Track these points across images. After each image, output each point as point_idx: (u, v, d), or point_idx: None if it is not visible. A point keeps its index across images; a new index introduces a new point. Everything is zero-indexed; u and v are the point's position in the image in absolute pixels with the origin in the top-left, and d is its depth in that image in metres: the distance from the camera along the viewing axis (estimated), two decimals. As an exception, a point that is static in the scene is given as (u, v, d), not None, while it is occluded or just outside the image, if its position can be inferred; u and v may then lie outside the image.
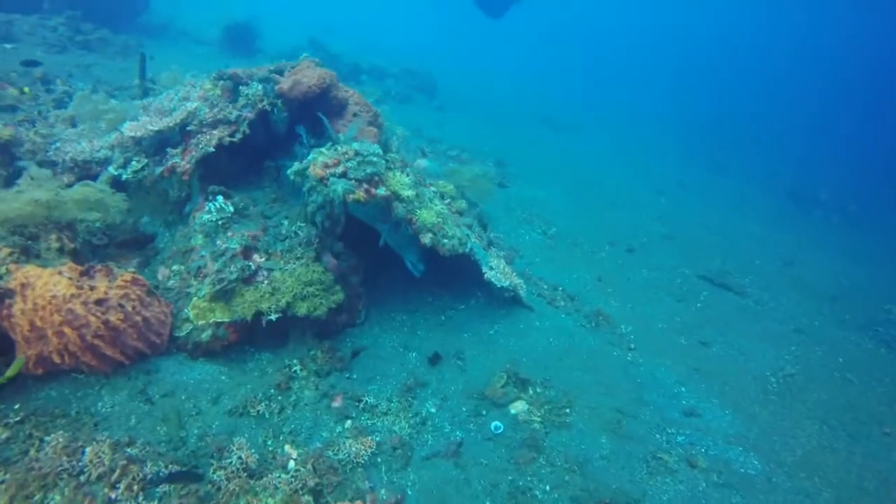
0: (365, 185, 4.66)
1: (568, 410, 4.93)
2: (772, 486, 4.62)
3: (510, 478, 4.26)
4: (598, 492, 4.20)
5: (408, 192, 4.99)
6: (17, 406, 3.78)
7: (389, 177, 5.00)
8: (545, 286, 7.02)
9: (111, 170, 5.41)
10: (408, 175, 5.30)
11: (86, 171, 5.62)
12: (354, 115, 5.51)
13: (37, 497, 3.20)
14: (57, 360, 3.86)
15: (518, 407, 4.91)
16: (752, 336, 7.38)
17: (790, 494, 4.56)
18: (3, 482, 3.24)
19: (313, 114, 5.24)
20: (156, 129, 5.27)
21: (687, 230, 11.85)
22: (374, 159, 4.77)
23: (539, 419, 4.80)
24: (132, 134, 5.26)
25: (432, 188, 6.04)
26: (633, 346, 6.37)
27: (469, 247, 5.46)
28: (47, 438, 3.52)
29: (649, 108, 29.46)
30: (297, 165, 4.84)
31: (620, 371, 5.72)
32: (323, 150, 4.88)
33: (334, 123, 5.46)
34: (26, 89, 7.59)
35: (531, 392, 5.09)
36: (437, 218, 5.19)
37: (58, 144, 6.05)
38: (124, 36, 12.66)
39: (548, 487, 4.21)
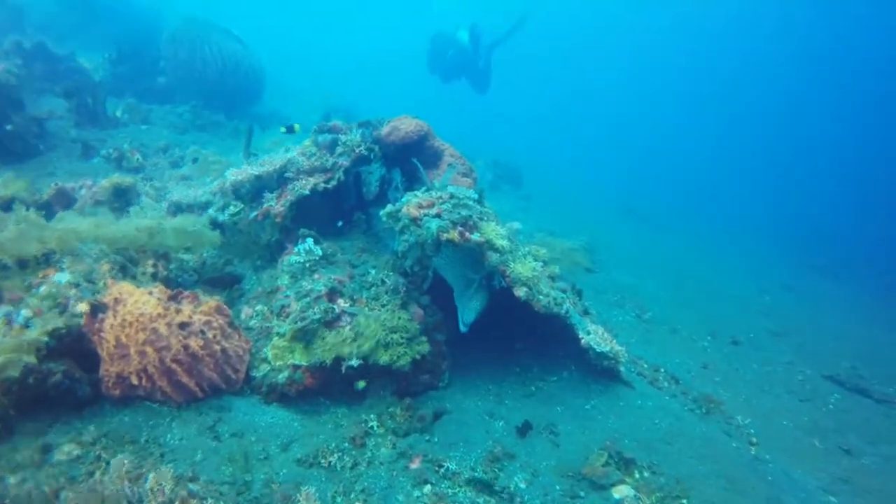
0: (459, 228, 4.44)
1: (685, 502, 4.10)
2: None
3: (619, 577, 3.47)
4: None
5: (502, 242, 4.70)
6: (91, 427, 3.61)
7: (483, 225, 4.76)
8: (645, 365, 6.29)
9: (211, 212, 5.57)
10: (503, 227, 5.05)
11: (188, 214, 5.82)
12: (449, 165, 5.45)
13: (91, 523, 2.89)
14: (135, 381, 3.70)
15: (622, 491, 4.15)
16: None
17: None
18: (66, 500, 2.99)
19: (409, 162, 5.22)
20: (256, 173, 5.43)
21: (800, 330, 10.60)
22: (470, 203, 4.58)
23: (650, 509, 4.01)
24: (234, 178, 5.44)
25: (526, 249, 5.72)
26: (754, 440, 5.42)
27: (565, 308, 4.99)
28: (112, 462, 3.26)
29: (746, 199, 28.33)
30: (390, 207, 4.74)
31: (744, 465, 4.80)
32: (417, 193, 4.77)
33: (429, 174, 5.41)
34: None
35: (637, 476, 4.31)
36: (533, 273, 4.82)
37: (169, 195, 6.41)
38: (236, 121, 13.95)
39: None
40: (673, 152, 40.47)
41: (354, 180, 6.03)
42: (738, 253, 18.01)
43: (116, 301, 3.75)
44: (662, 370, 6.35)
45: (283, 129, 6.78)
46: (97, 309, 3.71)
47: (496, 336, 5.80)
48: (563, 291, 5.76)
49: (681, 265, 13.70)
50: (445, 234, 4.29)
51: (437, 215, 4.49)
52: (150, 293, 3.89)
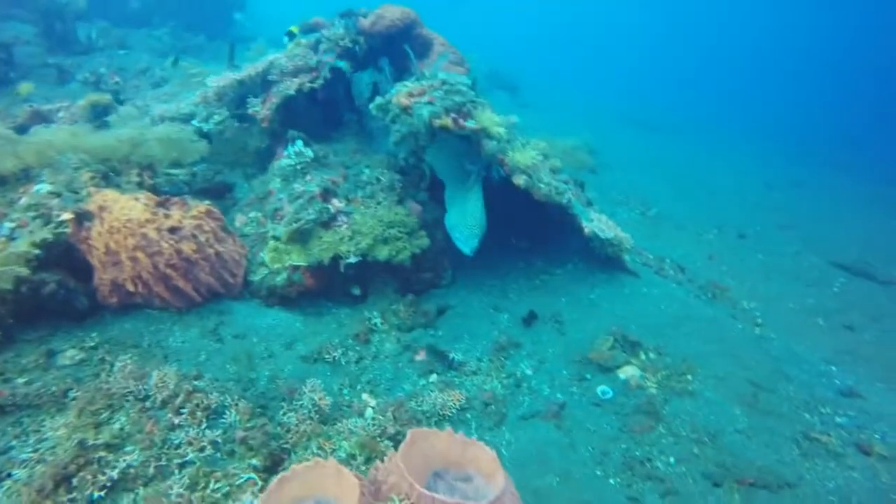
0: (453, 115, 4.21)
1: (690, 377, 4.13)
2: None
3: (624, 446, 3.54)
4: (737, 468, 3.38)
5: (499, 129, 4.48)
6: (94, 334, 3.60)
7: (479, 113, 4.51)
8: (650, 256, 6.22)
9: (195, 123, 5.33)
10: (498, 116, 4.79)
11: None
12: (440, 54, 5.12)
13: (103, 415, 2.91)
14: (131, 287, 3.65)
15: (628, 371, 4.18)
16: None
17: None
18: (73, 398, 3.01)
19: (397, 52, 4.90)
20: (238, 78, 5.15)
21: (808, 222, 10.41)
22: (463, 88, 4.32)
23: (655, 385, 4.04)
24: (216, 85, 5.15)
25: (527, 142, 5.48)
26: (759, 321, 5.43)
27: (567, 198, 4.84)
28: (116, 363, 3.26)
29: (758, 105, 27.36)
30: (379, 99, 4.49)
31: (750, 343, 4.81)
32: (407, 83, 4.50)
33: (419, 64, 5.10)
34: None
35: (643, 357, 4.33)
36: (532, 161, 4.63)
37: (151, 111, 6.13)
38: (218, 42, 13.26)
39: (672, 460, 3.45)
40: (684, 63, 38.60)
41: (346, 89, 5.73)
42: (750, 154, 17.50)
43: (101, 208, 3.63)
44: (668, 260, 6.29)
45: (285, 40, 6.21)
46: (82, 217, 3.59)
47: (500, 233, 5.70)
48: (566, 183, 5.59)
49: (688, 167, 13.35)
50: (438, 121, 4.07)
51: (430, 102, 4.25)
52: (137, 199, 3.76)
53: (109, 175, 4.01)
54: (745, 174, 14.41)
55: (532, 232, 5.81)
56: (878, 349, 5.24)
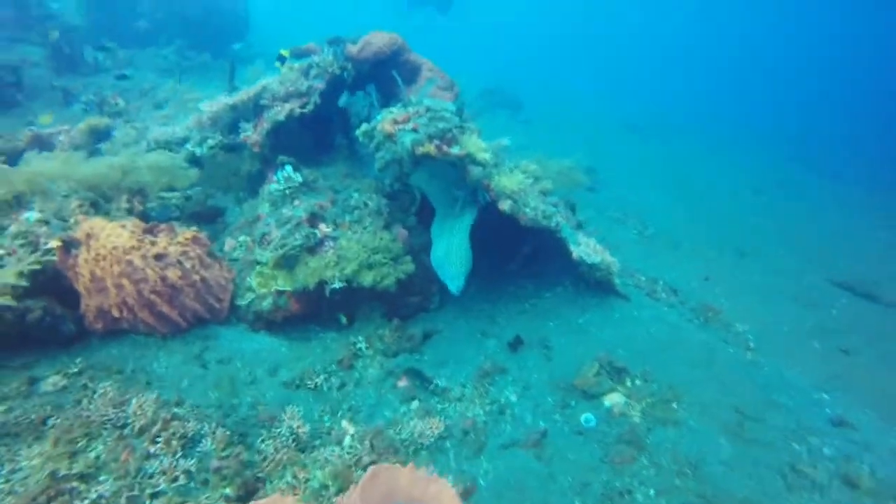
0: (437, 141, 4.25)
1: (675, 406, 4.09)
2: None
3: (604, 477, 3.51)
4: (718, 500, 3.34)
5: (485, 156, 4.51)
6: (78, 360, 3.64)
7: (464, 139, 4.55)
8: (643, 278, 6.20)
9: (188, 147, 5.42)
10: (487, 142, 4.83)
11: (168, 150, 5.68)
12: (428, 79, 5.19)
13: (80, 443, 2.94)
14: (116, 313, 3.70)
15: (613, 399, 4.15)
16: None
17: None
18: (52, 426, 3.05)
19: (385, 78, 4.97)
20: (230, 103, 5.24)
21: (811, 236, 10.33)
22: (447, 115, 4.36)
23: (639, 413, 4.01)
24: (208, 109, 5.25)
25: (513, 164, 5.52)
26: (752, 345, 5.38)
27: (555, 221, 4.85)
28: (98, 389, 3.30)
29: (736, 109, 27.35)
30: (365, 126, 4.54)
31: (739, 369, 4.76)
32: (393, 109, 4.55)
33: (407, 90, 5.16)
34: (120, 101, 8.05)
35: (629, 384, 4.30)
36: (519, 186, 4.66)
37: (148, 134, 6.24)
38: (221, 61, 13.50)
39: (652, 492, 3.41)
40: (675, 72, 38.67)
41: (337, 113, 5.81)
42: (743, 159, 17.37)
43: (89, 236, 3.69)
44: (661, 282, 6.26)
45: (277, 64, 6.31)
46: (70, 245, 3.66)
47: (490, 257, 5.71)
48: (555, 206, 5.59)
49: (684, 177, 13.27)
50: (421, 148, 4.11)
51: (414, 130, 4.30)
52: (124, 226, 3.82)
53: (99, 202, 4.09)
54: (738, 180, 14.31)
55: (524, 255, 5.82)
56: (872, 374, 5.17)
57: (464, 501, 3.24)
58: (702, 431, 3.89)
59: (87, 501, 2.59)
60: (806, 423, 4.18)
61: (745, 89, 35.94)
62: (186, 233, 4.08)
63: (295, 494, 2.90)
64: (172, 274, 3.81)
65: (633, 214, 9.02)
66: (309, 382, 3.88)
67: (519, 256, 5.55)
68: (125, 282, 3.65)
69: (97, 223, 3.76)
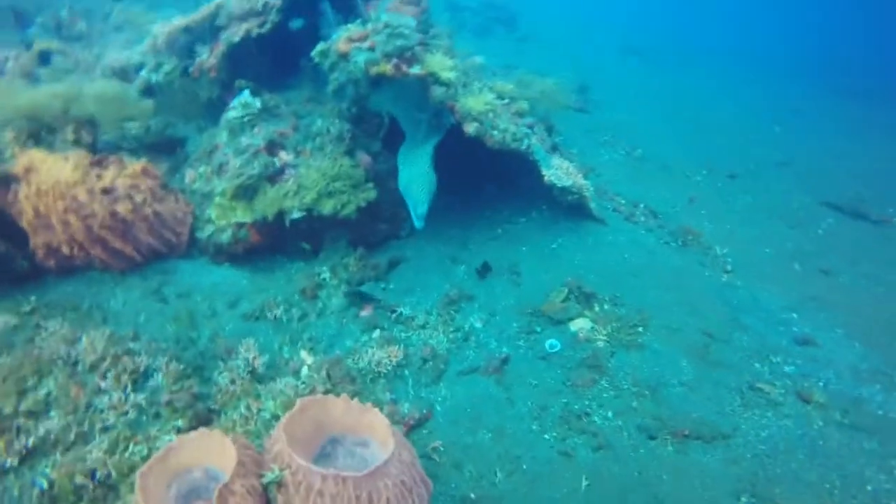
0: (395, 60, 3.98)
1: (641, 329, 4.07)
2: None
3: (564, 400, 3.54)
4: (673, 421, 3.37)
5: (448, 75, 4.24)
6: (32, 298, 3.61)
7: (427, 57, 4.26)
8: (623, 201, 6.04)
9: (144, 73, 5.13)
10: (453, 59, 4.53)
11: (124, 78, 5.39)
12: (391, -7, 4.81)
13: (30, 381, 2.95)
14: (66, 251, 3.62)
15: (579, 324, 4.13)
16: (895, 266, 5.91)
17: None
18: (1, 365, 3.04)
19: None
20: (184, 24, 4.91)
21: (808, 156, 9.98)
22: (406, 31, 4.05)
23: (604, 337, 3.99)
24: (161, 32, 4.93)
25: (483, 84, 5.22)
26: (729, 268, 5.30)
27: (525, 144, 4.64)
28: (49, 327, 3.28)
29: (769, 31, 25.82)
30: (321, 45, 4.25)
31: (712, 292, 4.72)
32: (350, 26, 4.24)
33: (366, 6, 4.80)
34: None
35: (597, 309, 4.26)
36: (486, 107, 4.41)
37: (104, 60, 5.91)
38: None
39: (610, 413, 3.45)
40: None
41: (305, 31, 5.43)
42: (757, 85, 16.66)
43: (28, 171, 3.55)
44: (641, 205, 6.11)
45: None
46: (6, 180, 3.52)
47: (467, 182, 5.54)
48: (530, 127, 5.36)
49: (687, 102, 12.73)
50: (375, 68, 3.85)
51: (370, 48, 4.01)
52: (66, 159, 3.66)
53: (41, 134, 3.90)
54: (751, 108, 13.77)
55: (499, 178, 5.64)
56: (847, 294, 5.12)
57: (419, 428, 3.29)
58: (665, 354, 3.89)
59: (33, 437, 2.62)
60: (772, 342, 4.18)
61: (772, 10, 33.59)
62: (136, 165, 3.92)
63: (247, 426, 2.93)
64: (122, 208, 3.70)
65: (624, 137, 8.68)
66: (269, 314, 3.86)
67: (491, 183, 5.38)
68: (71, 218, 3.54)
69: (36, 156, 3.60)
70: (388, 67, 3.88)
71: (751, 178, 8.34)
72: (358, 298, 4.08)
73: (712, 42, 23.35)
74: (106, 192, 3.67)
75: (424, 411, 3.29)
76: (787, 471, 3.07)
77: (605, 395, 3.58)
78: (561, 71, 11.93)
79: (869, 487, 2.91)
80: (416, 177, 4.23)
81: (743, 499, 2.95)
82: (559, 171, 4.69)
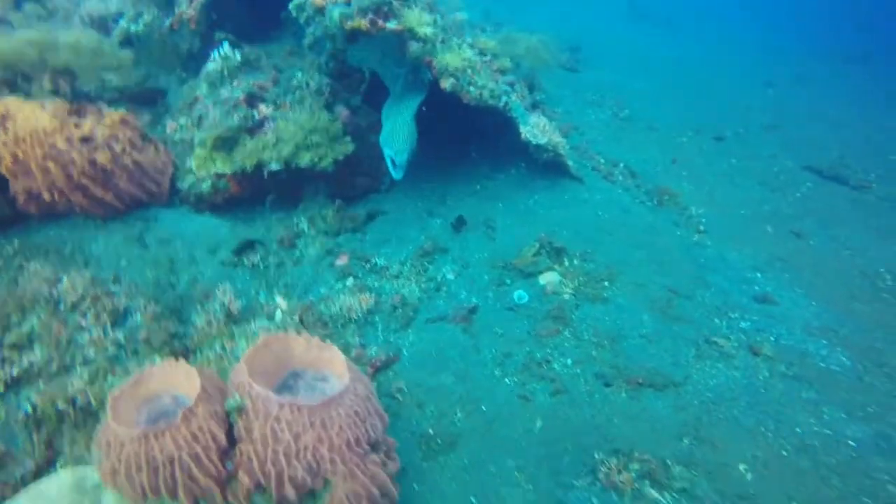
0: (371, 15, 3.99)
1: (607, 284, 4.23)
2: (864, 387, 3.69)
3: (527, 349, 3.71)
4: (628, 370, 3.55)
5: (426, 30, 4.25)
6: (15, 241, 3.73)
7: (405, 12, 4.27)
8: (602, 160, 6.11)
9: (122, 23, 5.11)
10: (432, 15, 4.53)
11: (103, 27, 5.37)
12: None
13: (14, 318, 3.10)
14: (47, 197, 3.72)
15: (548, 277, 4.27)
16: (866, 231, 6.02)
17: (889, 398, 3.62)
18: (-16, 306, 3.19)
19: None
20: (162, -29, 4.84)
21: (798, 122, 9.98)
22: (383, -17, 4.05)
23: (571, 291, 4.15)
24: (139, -21, 4.88)
25: (468, 42, 5.22)
26: (702, 228, 5.42)
27: (503, 101, 4.69)
28: (31, 268, 3.41)
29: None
30: (297, -1, 4.25)
31: (681, 251, 4.86)
32: (328, -22, 4.23)
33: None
34: None
35: (567, 264, 4.41)
36: (463, 62, 4.44)
37: (82, 7, 5.85)
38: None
39: (569, 361, 3.63)
40: None
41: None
42: (760, 49, 16.39)
43: (4, 117, 3.61)
44: (621, 165, 6.18)
45: None
46: (-15, 125, 3.59)
47: (447, 139, 5.60)
48: (511, 85, 5.40)
49: (682, 64, 12.60)
50: (350, 22, 3.87)
51: (346, 2, 4.02)
52: (43, 107, 3.72)
53: (17, 81, 3.94)
54: (749, 72, 13.63)
55: (479, 135, 5.70)
56: (813, 256, 5.26)
57: (385, 370, 3.48)
58: (628, 308, 4.05)
59: (17, 368, 2.79)
60: (732, 300, 4.34)
61: None
62: (114, 114, 3.98)
63: (221, 363, 3.10)
64: (102, 157, 3.78)
65: (612, 97, 8.66)
66: (247, 261, 3.99)
67: (471, 140, 5.45)
68: (51, 164, 3.63)
69: (12, 103, 3.66)
70: (363, 22, 3.90)
71: (738, 142, 8.38)
72: (355, 259, 4.20)
73: (729, 9, 22.77)
74: (84, 140, 3.75)
75: (391, 354, 3.47)
76: (729, 416, 3.27)
77: (566, 344, 3.76)
78: (558, 31, 11.79)
79: (798, 430, 3.12)
80: (399, 127, 4.29)
81: (685, 440, 3.15)
82: (535, 129, 4.75)
